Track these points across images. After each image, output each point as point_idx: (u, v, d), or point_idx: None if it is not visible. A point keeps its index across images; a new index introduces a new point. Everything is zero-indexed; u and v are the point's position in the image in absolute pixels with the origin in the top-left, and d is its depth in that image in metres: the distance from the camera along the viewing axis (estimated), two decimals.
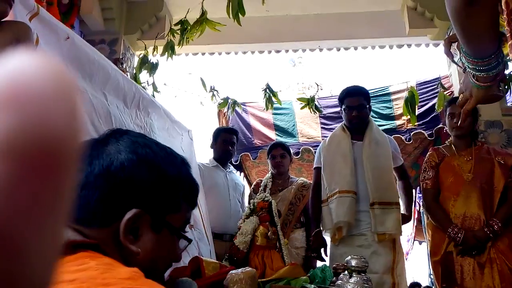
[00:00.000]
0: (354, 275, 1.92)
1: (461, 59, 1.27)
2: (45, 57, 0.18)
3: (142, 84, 3.57)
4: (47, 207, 0.17)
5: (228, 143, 3.35)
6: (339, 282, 1.96)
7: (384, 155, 2.77)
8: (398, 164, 2.87)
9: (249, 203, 2.66)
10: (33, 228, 0.17)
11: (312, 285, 1.93)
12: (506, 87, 1.13)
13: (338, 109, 4.33)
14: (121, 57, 3.86)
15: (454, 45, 1.28)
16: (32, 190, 0.17)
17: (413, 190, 3.57)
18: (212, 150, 3.45)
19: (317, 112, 4.07)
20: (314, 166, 3.00)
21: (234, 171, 3.71)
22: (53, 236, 0.18)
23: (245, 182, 4.90)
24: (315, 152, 4.18)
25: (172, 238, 0.73)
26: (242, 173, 4.96)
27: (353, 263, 1.96)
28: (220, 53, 4.48)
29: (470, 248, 2.39)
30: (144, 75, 3.69)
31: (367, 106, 2.85)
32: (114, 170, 0.67)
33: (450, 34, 1.33)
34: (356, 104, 2.79)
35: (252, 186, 3.50)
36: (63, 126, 0.17)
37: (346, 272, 1.97)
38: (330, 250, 2.78)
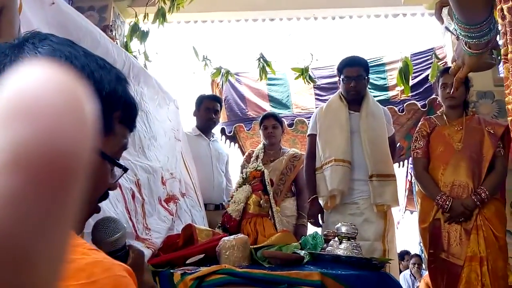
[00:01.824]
0: (344, 241, 1.96)
1: (453, 26, 1.26)
2: (56, 69, 0.18)
3: (133, 53, 3.52)
4: (56, 219, 0.17)
5: (211, 110, 3.29)
6: (329, 248, 2.00)
7: (380, 128, 2.79)
8: (389, 134, 2.88)
9: (241, 172, 2.67)
10: (41, 240, 0.17)
11: (303, 251, 1.97)
12: (499, 57, 1.13)
13: (332, 79, 4.34)
14: (110, 24, 3.79)
15: (445, 10, 1.27)
16: (41, 203, 0.17)
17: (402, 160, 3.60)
18: (195, 118, 3.40)
19: (311, 83, 4.05)
20: (308, 133, 2.99)
21: (218, 139, 3.66)
22: (60, 247, 0.18)
23: (239, 153, 4.92)
24: (309, 123, 4.20)
25: (104, 164, 0.66)
26: (237, 144, 4.97)
27: (343, 230, 2.00)
28: (212, 21, 4.41)
29: (458, 216, 2.43)
30: (135, 44, 3.64)
31: (366, 77, 2.84)
32: None
33: None
34: (355, 74, 2.78)
35: (245, 156, 3.51)
36: (73, 139, 0.17)
37: (336, 238, 2.01)
38: (324, 218, 2.82)
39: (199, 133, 3.32)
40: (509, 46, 0.95)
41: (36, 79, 0.18)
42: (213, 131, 3.48)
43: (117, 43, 2.99)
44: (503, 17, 0.98)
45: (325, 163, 2.76)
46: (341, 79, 2.85)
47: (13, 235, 0.16)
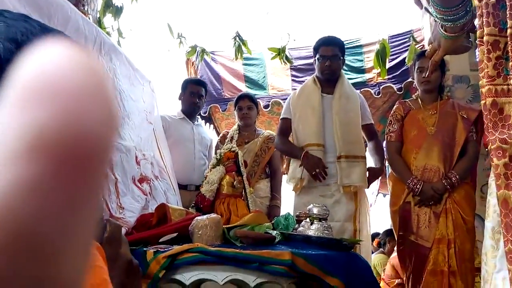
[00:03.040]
0: (315, 222, 1.98)
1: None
2: (76, 48, 0.17)
3: (107, 29, 3.42)
4: (80, 209, 0.16)
5: (195, 95, 3.29)
6: (300, 228, 2.02)
7: (353, 110, 2.79)
8: (366, 122, 2.89)
9: (215, 153, 2.66)
10: (65, 230, 0.16)
11: (275, 231, 1.98)
12: (476, 40, 1.13)
13: (309, 60, 4.31)
14: None
15: None
16: (64, 190, 0.15)
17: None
18: (180, 102, 3.40)
19: (288, 63, 4.03)
20: (281, 117, 2.98)
21: (203, 124, 3.68)
22: (84, 239, 0.17)
23: (214, 134, 4.88)
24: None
25: None
26: (212, 125, 4.93)
27: (315, 211, 2.02)
28: None
29: (427, 199, 2.48)
30: (108, 20, 3.53)
31: (341, 58, 2.84)
32: None
33: None
34: (330, 54, 2.77)
35: (219, 137, 3.50)
36: (97, 121, 0.16)
37: (307, 219, 2.02)
38: (293, 200, 2.83)
39: (183, 117, 3.31)
40: (485, 28, 0.95)
41: (56, 58, 0.16)
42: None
43: (89, 18, 2.89)
44: None
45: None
46: (316, 59, 2.84)
47: (35, 225, 0.15)
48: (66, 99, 0.16)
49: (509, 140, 0.89)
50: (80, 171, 0.16)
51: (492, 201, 1.11)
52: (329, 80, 2.81)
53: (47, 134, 0.15)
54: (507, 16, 0.88)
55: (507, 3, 0.90)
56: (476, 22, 1.05)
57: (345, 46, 3.03)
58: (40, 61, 0.16)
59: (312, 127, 2.74)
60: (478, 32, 0.99)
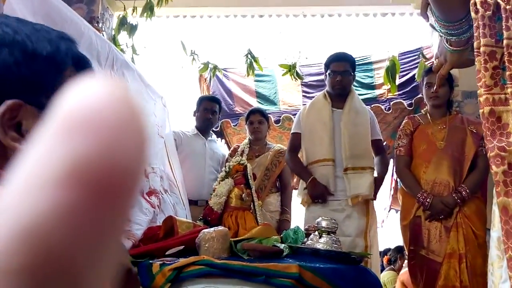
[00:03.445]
0: (324, 235, 1.97)
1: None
2: (116, 83, 0.18)
3: (121, 46, 3.50)
4: (108, 237, 0.17)
5: (209, 111, 3.34)
6: (309, 242, 2.01)
7: (362, 124, 2.81)
8: (374, 138, 2.89)
9: (224, 166, 2.67)
10: (93, 257, 0.16)
11: (283, 245, 1.97)
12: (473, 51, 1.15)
13: (320, 77, 4.34)
14: (98, 16, 3.77)
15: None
16: (97, 220, 0.16)
17: (390, 162, 3.62)
18: (195, 118, 3.46)
19: (299, 80, 4.06)
20: (292, 131, 3.00)
21: (217, 140, 3.72)
22: (109, 266, 0.17)
23: (226, 149, 4.91)
24: None
25: None
26: (223, 140, 4.97)
27: (324, 224, 2.01)
28: (201, 16, 4.40)
29: (437, 213, 2.46)
30: (123, 37, 3.62)
31: (352, 74, 2.87)
32: None
33: None
34: (341, 69, 2.80)
35: (230, 151, 3.52)
36: (132, 157, 0.17)
37: (316, 232, 2.02)
38: (304, 214, 2.83)
39: (197, 132, 3.37)
40: (481, 39, 0.96)
41: (96, 92, 0.17)
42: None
43: (103, 35, 2.97)
44: (476, 11, 0.99)
45: (310, 163, 2.79)
46: (327, 74, 2.87)
47: (65, 250, 0.16)
48: (103, 133, 0.17)
49: (507, 148, 0.89)
50: (111, 202, 0.17)
51: (497, 211, 1.11)
52: (339, 95, 2.84)
53: (84, 165, 0.16)
54: (503, 27, 0.89)
55: (503, 15, 0.91)
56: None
57: (356, 63, 3.05)
58: (80, 95, 0.17)
59: (323, 143, 2.75)
60: (475, 43, 1.00)
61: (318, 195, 2.69)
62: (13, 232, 0.16)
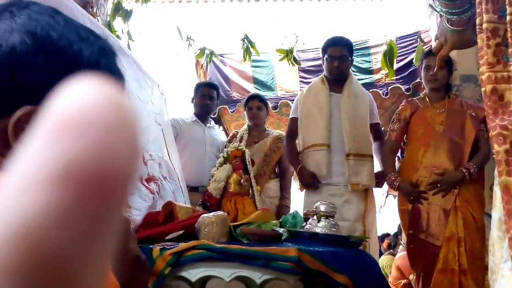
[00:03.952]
0: (323, 219, 1.98)
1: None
2: (107, 84, 0.18)
3: (116, 32, 3.46)
4: (102, 237, 0.17)
5: (206, 97, 3.34)
6: (307, 226, 2.01)
7: (362, 108, 2.81)
8: (373, 121, 2.90)
9: (222, 151, 2.67)
10: (87, 256, 0.16)
11: (282, 229, 1.97)
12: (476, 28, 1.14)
13: (317, 62, 4.32)
14: (92, 1, 3.73)
15: None
16: (90, 219, 0.16)
17: None
18: (193, 105, 3.45)
19: (296, 65, 4.04)
20: (290, 116, 3.01)
21: (216, 127, 3.72)
22: (102, 265, 0.17)
23: (224, 136, 4.90)
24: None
25: None
26: (221, 127, 4.95)
27: (322, 208, 2.01)
28: (197, 1, 4.36)
29: (406, 195, 2.55)
30: (118, 23, 3.57)
31: (349, 58, 2.85)
32: (1, 54, 0.53)
33: None
34: (338, 54, 2.78)
35: (229, 137, 3.51)
36: (124, 157, 0.17)
37: (315, 217, 2.02)
38: (303, 199, 2.84)
39: (196, 119, 3.37)
40: (484, 15, 0.95)
41: (88, 93, 0.17)
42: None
43: (98, 21, 2.93)
44: None
45: (305, 148, 2.80)
46: (324, 59, 2.85)
47: (60, 249, 0.16)
48: (96, 134, 0.17)
49: (509, 127, 0.88)
50: (105, 201, 0.17)
51: (498, 191, 1.10)
52: (337, 80, 2.82)
53: (77, 166, 0.16)
54: (507, 3, 0.88)
55: None
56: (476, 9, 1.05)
57: (353, 48, 3.03)
58: (72, 97, 0.17)
59: (319, 127, 2.75)
60: (477, 20, 0.98)
61: (307, 183, 2.74)
62: (6, 232, 0.16)
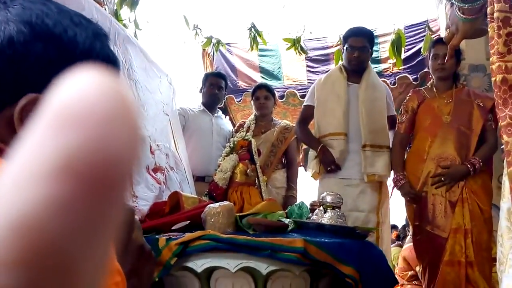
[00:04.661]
0: (329, 210, 1.97)
1: None
2: (106, 75, 0.18)
3: (124, 21, 3.45)
4: (102, 228, 0.17)
5: (215, 86, 3.34)
6: (314, 217, 2.01)
7: (379, 99, 2.80)
8: (390, 113, 2.89)
9: (228, 141, 2.66)
10: (88, 249, 0.17)
11: (288, 219, 1.97)
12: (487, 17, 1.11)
13: (325, 51, 4.29)
14: None
15: None
16: (91, 211, 0.16)
17: None
18: (201, 95, 3.46)
19: (303, 54, 4.01)
20: (304, 103, 3.00)
21: (223, 116, 3.72)
22: (103, 257, 0.18)
23: (231, 126, 4.89)
24: (300, 96, 4.17)
25: None
26: (228, 116, 4.94)
27: (328, 199, 2.00)
28: None
29: (403, 195, 2.58)
30: (125, 12, 3.56)
31: (370, 50, 2.85)
32: (0, 45, 0.55)
33: None
34: (359, 45, 2.77)
35: (236, 127, 3.51)
36: (124, 149, 0.17)
37: (321, 207, 2.01)
38: (317, 187, 2.83)
39: (203, 109, 3.37)
40: (495, 4, 0.93)
41: (88, 85, 0.17)
42: None
43: (105, 9, 2.92)
44: None
45: (321, 136, 2.78)
46: (344, 48, 2.84)
47: (60, 241, 0.16)
48: (96, 126, 0.17)
49: None
50: (105, 194, 0.17)
51: (507, 182, 1.09)
52: (355, 70, 2.81)
53: (77, 158, 0.16)
54: None
55: None
56: None
57: (374, 39, 3.01)
58: (72, 88, 0.17)
59: (336, 116, 2.74)
60: (488, 9, 0.96)
61: (329, 162, 2.68)
62: (6, 225, 0.16)
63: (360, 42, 2.77)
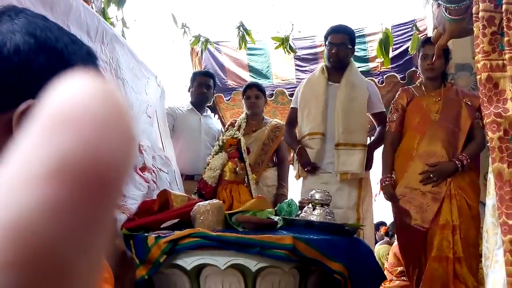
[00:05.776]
0: (318, 207, 1.98)
1: None
2: (99, 79, 0.18)
3: (111, 19, 3.42)
4: (95, 231, 0.17)
5: (203, 85, 3.33)
6: (303, 214, 2.02)
7: (357, 99, 2.80)
8: (375, 111, 2.90)
9: (217, 139, 2.67)
10: (81, 251, 0.17)
11: (277, 217, 1.98)
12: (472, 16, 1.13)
13: (313, 50, 4.31)
14: None
15: None
16: (85, 214, 0.17)
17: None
18: (189, 95, 3.44)
19: (292, 53, 4.02)
20: (291, 106, 3.06)
21: (212, 115, 3.71)
22: (97, 259, 0.18)
23: (219, 125, 4.88)
24: (289, 94, 4.19)
25: None
26: (217, 115, 4.93)
27: (317, 196, 2.02)
28: None
29: (386, 198, 2.64)
30: (113, 10, 3.53)
31: (349, 47, 2.84)
32: (7, 53, 0.58)
33: None
34: (338, 41, 2.79)
35: (226, 125, 3.51)
36: (117, 152, 0.17)
37: (310, 205, 2.03)
38: (300, 187, 2.85)
39: (192, 108, 3.36)
40: (480, 4, 0.94)
41: (82, 89, 0.17)
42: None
43: (92, 8, 2.89)
44: None
45: (302, 138, 2.84)
46: (325, 47, 2.86)
47: (54, 244, 0.16)
48: (89, 129, 0.17)
49: (504, 114, 0.89)
50: (98, 196, 0.17)
51: (492, 178, 1.11)
52: (337, 69, 2.83)
53: (70, 161, 0.16)
54: None
55: None
56: None
57: (355, 37, 3.03)
58: (66, 92, 0.17)
59: (314, 116, 2.77)
60: (474, 8, 0.98)
61: (305, 162, 2.74)
62: (0, 227, 0.16)
63: (339, 38, 2.79)
